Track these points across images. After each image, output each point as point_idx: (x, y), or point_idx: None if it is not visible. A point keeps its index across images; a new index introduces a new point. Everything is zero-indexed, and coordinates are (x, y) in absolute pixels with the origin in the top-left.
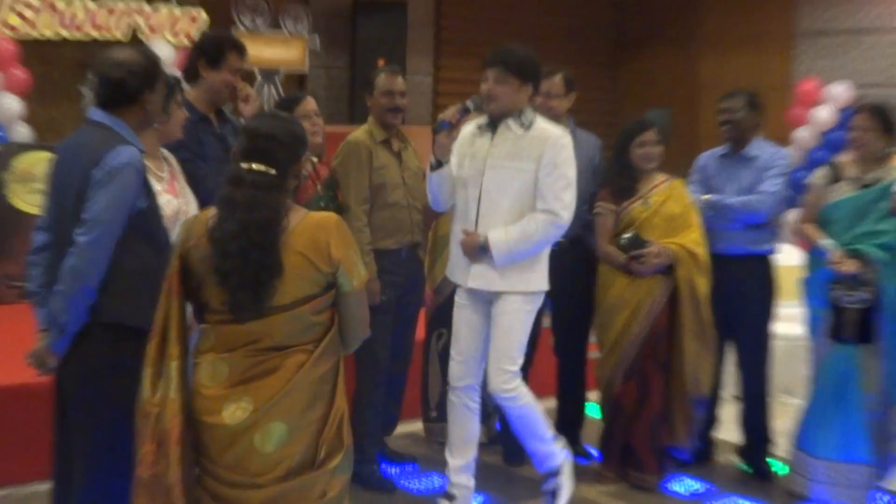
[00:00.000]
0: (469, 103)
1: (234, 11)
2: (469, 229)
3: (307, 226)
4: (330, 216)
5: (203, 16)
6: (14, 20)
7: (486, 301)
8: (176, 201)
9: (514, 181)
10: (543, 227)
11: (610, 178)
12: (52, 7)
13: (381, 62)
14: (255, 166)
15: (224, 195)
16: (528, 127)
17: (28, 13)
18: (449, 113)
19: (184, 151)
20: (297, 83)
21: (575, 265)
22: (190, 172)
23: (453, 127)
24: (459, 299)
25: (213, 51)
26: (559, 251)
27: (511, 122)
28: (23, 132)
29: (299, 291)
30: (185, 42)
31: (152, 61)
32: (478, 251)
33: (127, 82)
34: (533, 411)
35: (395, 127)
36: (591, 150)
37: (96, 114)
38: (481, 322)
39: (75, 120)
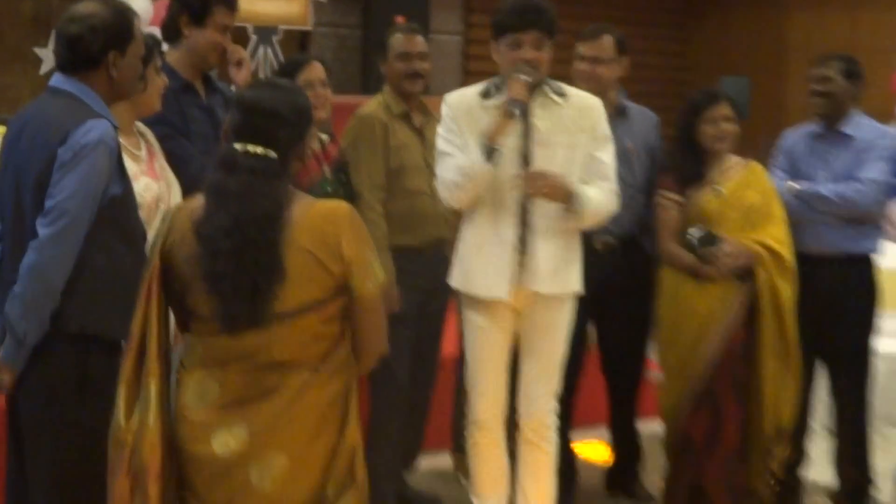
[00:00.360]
0: (528, 77)
1: None
2: (508, 233)
3: (314, 217)
4: (340, 205)
5: None
6: None
7: (513, 313)
8: (156, 186)
9: (569, 161)
10: (607, 207)
11: (673, 162)
12: None
13: (399, 19)
14: (251, 148)
15: (214, 182)
16: (562, 93)
17: None
18: (519, 89)
19: (163, 126)
20: (298, 44)
21: (629, 268)
22: (171, 151)
23: (525, 105)
24: (477, 318)
25: (196, 4)
26: (609, 251)
27: (549, 91)
28: None
29: (304, 296)
30: None
31: (122, 15)
32: (568, 201)
33: (86, 40)
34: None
35: (415, 97)
36: (646, 127)
37: (59, 80)
38: (507, 342)
39: (32, 88)
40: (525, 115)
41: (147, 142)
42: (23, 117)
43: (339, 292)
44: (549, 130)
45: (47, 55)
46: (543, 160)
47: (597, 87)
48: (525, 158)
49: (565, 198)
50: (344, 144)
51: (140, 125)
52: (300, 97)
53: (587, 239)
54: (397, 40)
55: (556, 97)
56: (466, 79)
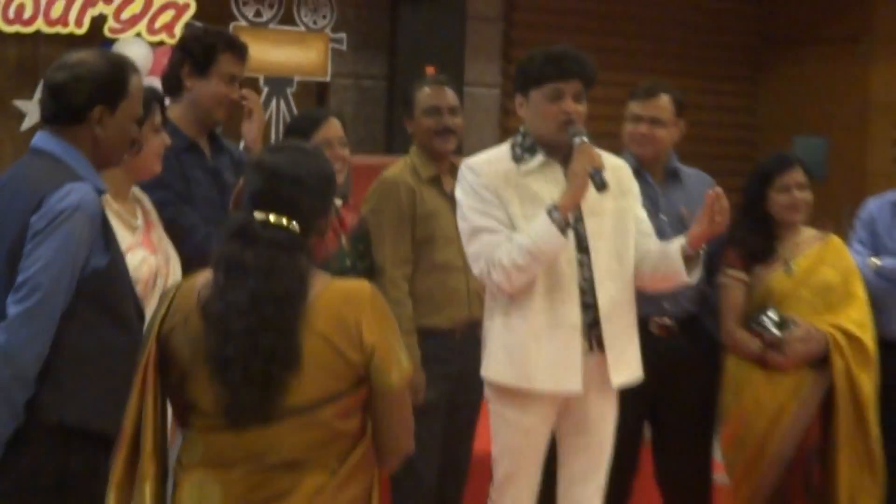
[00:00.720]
0: (585, 136)
1: (234, 0)
2: (573, 317)
3: (331, 298)
4: (362, 286)
5: (191, 6)
6: None
7: (560, 406)
8: (154, 259)
9: (621, 228)
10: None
11: (738, 235)
12: None
13: (429, 70)
14: (273, 219)
15: (227, 255)
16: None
17: None
18: (593, 156)
19: (163, 191)
20: (315, 97)
21: (690, 355)
22: (171, 219)
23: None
24: (520, 416)
25: (199, 52)
26: (667, 335)
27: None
28: None
29: (320, 389)
30: (167, 40)
31: (115, 67)
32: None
33: (70, 89)
34: None
35: (446, 158)
36: (702, 192)
37: (42, 139)
38: (548, 440)
39: (14, 145)
40: (603, 184)
41: (144, 209)
42: (0, 182)
43: (359, 384)
44: (595, 196)
45: (31, 109)
46: (596, 230)
47: (653, 152)
48: (577, 230)
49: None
50: (365, 211)
51: (136, 191)
52: (326, 164)
53: (641, 322)
54: (425, 94)
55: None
56: (505, 136)
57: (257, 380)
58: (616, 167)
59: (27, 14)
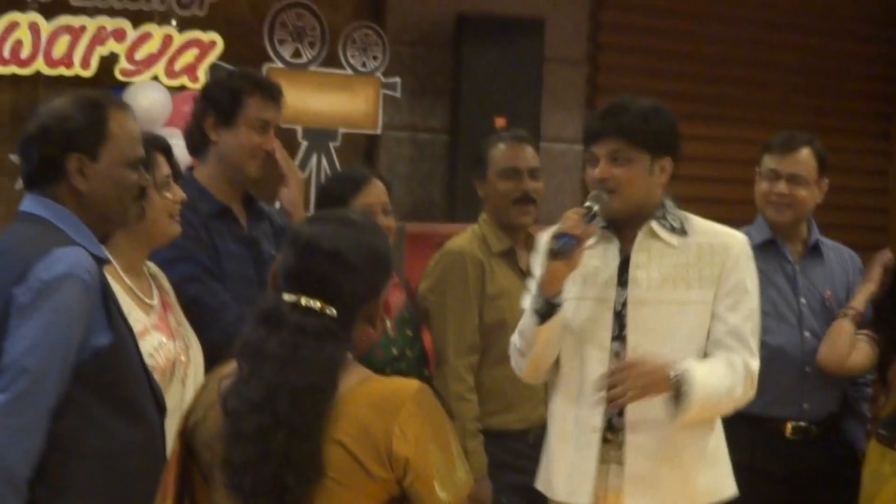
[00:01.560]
0: (593, 204)
1: (268, 38)
2: (593, 417)
3: (359, 400)
4: (404, 386)
5: (218, 44)
6: None
7: None
8: (172, 345)
9: (679, 324)
10: (742, 383)
11: (882, 321)
12: None
13: (498, 122)
14: (305, 301)
15: (250, 341)
16: (681, 229)
17: None
18: (572, 220)
19: (187, 265)
20: (363, 152)
21: (828, 462)
22: (197, 299)
23: (580, 243)
24: None
25: (223, 98)
26: (803, 439)
27: (657, 227)
28: None
29: None
30: (188, 84)
31: (89, 107)
32: (669, 392)
33: (38, 142)
34: None
35: (522, 229)
36: (847, 271)
37: (29, 202)
38: None
39: (8, 206)
40: (568, 253)
41: (160, 287)
42: None
43: (399, 502)
44: (651, 283)
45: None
46: (640, 326)
47: (792, 217)
48: (619, 320)
49: (666, 387)
50: (423, 289)
51: (151, 266)
52: (377, 237)
53: (774, 423)
54: (500, 152)
55: (668, 235)
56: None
57: (270, 491)
58: (711, 248)
59: (25, 53)
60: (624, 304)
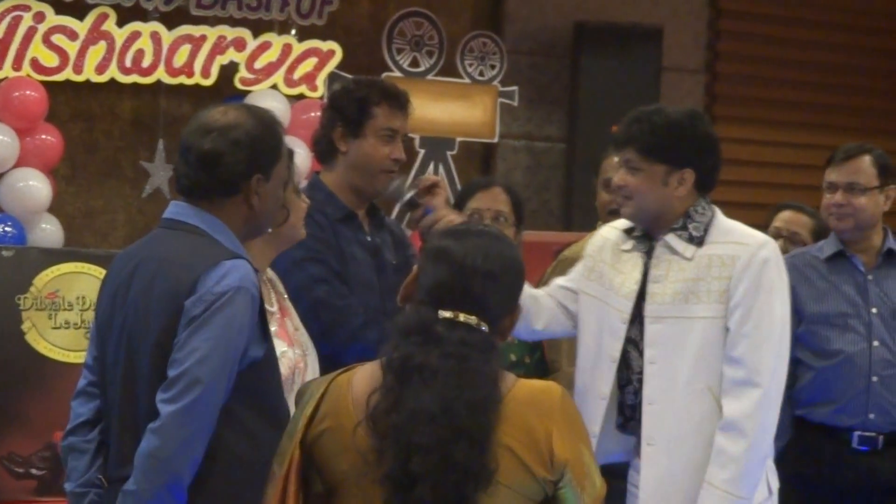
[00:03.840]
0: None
1: (387, 47)
2: (587, 410)
3: (517, 403)
4: (550, 389)
5: (336, 53)
6: (47, 56)
7: None
8: (292, 353)
9: (690, 341)
10: (756, 422)
11: None
12: (103, 36)
13: (615, 130)
14: (463, 317)
15: (405, 357)
16: (699, 239)
17: (69, 46)
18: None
19: (317, 266)
20: (480, 161)
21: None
22: (324, 301)
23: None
24: None
25: (350, 108)
26: (867, 451)
27: (672, 239)
28: (49, 231)
29: None
30: (307, 93)
31: (270, 128)
32: None
33: (227, 159)
34: None
35: None
36: None
37: (180, 210)
38: None
39: (129, 215)
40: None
41: (277, 292)
42: (132, 259)
43: None
44: (665, 298)
45: (154, 171)
46: (657, 341)
47: (853, 225)
48: (640, 332)
49: None
50: None
51: (269, 270)
52: (515, 251)
53: (840, 433)
54: (608, 163)
55: (684, 247)
56: None
57: (449, 500)
58: (723, 256)
59: (147, 62)
60: (637, 320)
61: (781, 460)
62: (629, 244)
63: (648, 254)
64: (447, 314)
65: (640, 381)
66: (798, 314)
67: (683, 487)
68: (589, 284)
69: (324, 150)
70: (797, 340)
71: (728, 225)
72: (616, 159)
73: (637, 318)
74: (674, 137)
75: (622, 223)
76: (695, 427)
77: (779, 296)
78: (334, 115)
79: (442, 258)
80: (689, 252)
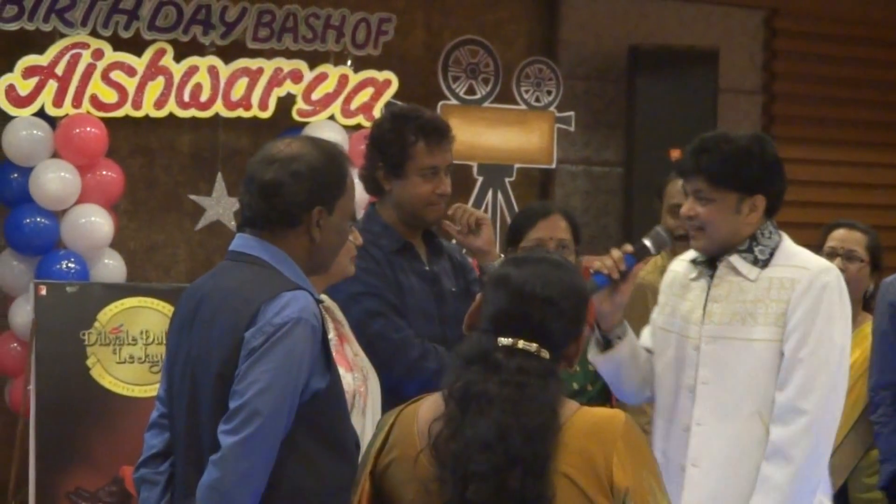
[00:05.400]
0: (648, 241)
1: (442, 75)
2: (673, 443)
3: (578, 431)
4: (614, 416)
5: (393, 83)
6: (106, 93)
7: None
8: (351, 377)
9: (743, 362)
10: (803, 449)
11: None
12: (161, 71)
13: (674, 154)
14: (523, 345)
15: (466, 385)
16: (764, 262)
17: (127, 82)
18: (609, 261)
19: (372, 300)
20: (539, 187)
21: None
22: (381, 334)
23: (623, 280)
24: None
25: (390, 149)
26: None
27: (737, 260)
28: (111, 266)
29: None
30: (364, 123)
31: (334, 161)
32: None
33: (287, 189)
34: None
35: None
36: None
37: (244, 242)
38: None
39: (189, 248)
40: (599, 291)
41: (335, 320)
42: (198, 292)
43: None
44: (723, 318)
45: (209, 205)
46: (711, 362)
47: None
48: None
49: None
50: None
51: (326, 298)
52: (579, 279)
53: None
54: (673, 187)
55: (748, 269)
56: None
57: None
58: (783, 279)
59: (204, 96)
60: (694, 338)
61: (893, 483)
62: (695, 272)
63: (712, 276)
64: (506, 341)
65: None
66: None
67: None
68: (663, 319)
69: (371, 187)
70: None
71: (793, 249)
72: (680, 184)
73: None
74: (744, 164)
75: (690, 254)
76: (742, 452)
77: (838, 324)
78: (376, 156)
79: (501, 285)
80: (752, 274)
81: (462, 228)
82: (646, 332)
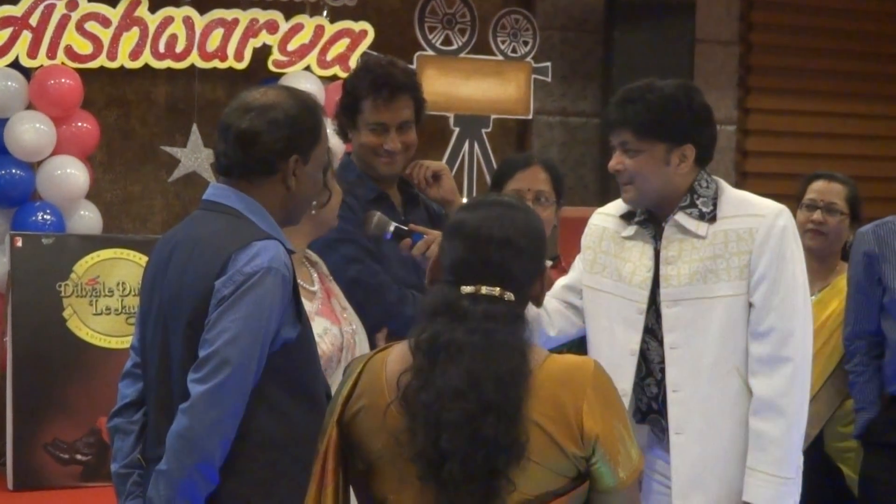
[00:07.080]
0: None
1: (419, 26)
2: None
3: (547, 378)
4: (585, 363)
5: (369, 34)
6: (81, 44)
7: None
8: (337, 330)
9: (712, 320)
10: (793, 398)
11: None
12: (136, 22)
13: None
14: (486, 290)
15: (432, 336)
16: (711, 215)
17: (102, 33)
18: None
19: (348, 246)
20: (515, 138)
21: None
22: (358, 279)
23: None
24: None
25: (346, 99)
26: None
27: (683, 218)
28: (88, 218)
29: (536, 486)
30: (340, 74)
31: (309, 109)
32: None
33: (264, 138)
34: None
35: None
36: None
37: (218, 192)
38: None
39: (166, 199)
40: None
41: (320, 274)
42: (171, 241)
43: (580, 479)
44: (681, 279)
45: (184, 156)
46: (675, 322)
47: None
48: (657, 318)
49: None
50: None
51: (311, 253)
52: (534, 218)
53: None
54: None
55: (696, 225)
56: (742, 182)
57: (480, 475)
58: (739, 231)
59: (180, 47)
60: (659, 303)
61: (868, 432)
62: (631, 230)
63: (656, 237)
64: (469, 289)
65: (662, 370)
66: (883, 285)
67: (719, 475)
68: (593, 278)
69: (341, 134)
70: (885, 312)
71: (738, 196)
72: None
73: (652, 305)
74: (671, 113)
75: (614, 208)
76: (725, 411)
77: (799, 265)
78: (338, 107)
79: (457, 233)
80: (702, 230)
81: (420, 183)
82: (576, 267)
